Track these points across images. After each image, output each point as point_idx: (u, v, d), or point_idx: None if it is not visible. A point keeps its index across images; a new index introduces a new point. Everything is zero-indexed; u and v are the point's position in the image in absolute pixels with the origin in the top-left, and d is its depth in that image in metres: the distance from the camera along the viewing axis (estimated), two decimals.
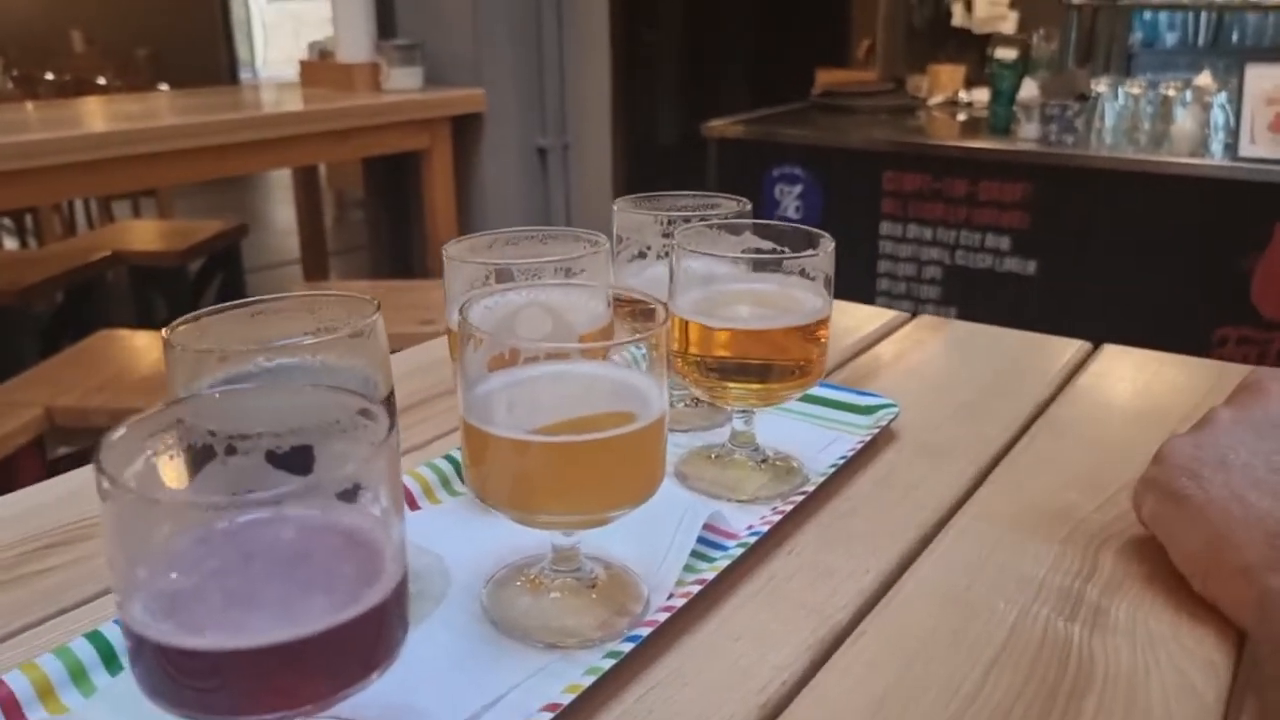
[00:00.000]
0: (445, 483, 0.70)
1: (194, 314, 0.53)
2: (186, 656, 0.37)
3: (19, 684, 0.48)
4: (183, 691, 0.38)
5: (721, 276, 0.69)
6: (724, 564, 0.59)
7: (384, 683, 0.49)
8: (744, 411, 0.72)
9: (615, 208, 0.78)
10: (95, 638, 0.52)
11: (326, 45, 3.12)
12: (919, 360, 0.97)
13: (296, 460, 0.44)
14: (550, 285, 0.63)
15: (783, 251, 0.69)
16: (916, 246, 3.08)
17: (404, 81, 2.95)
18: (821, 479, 0.70)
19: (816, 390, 0.82)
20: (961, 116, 3.45)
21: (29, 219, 5.18)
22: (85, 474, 0.74)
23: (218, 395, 0.45)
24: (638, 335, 0.52)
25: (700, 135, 3.19)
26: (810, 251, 0.67)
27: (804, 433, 0.78)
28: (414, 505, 0.67)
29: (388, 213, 3.42)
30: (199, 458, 0.43)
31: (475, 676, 0.51)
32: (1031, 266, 2.87)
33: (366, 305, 0.54)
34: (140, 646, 0.38)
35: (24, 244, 5.23)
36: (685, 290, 0.68)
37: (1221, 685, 0.52)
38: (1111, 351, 0.99)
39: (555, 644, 0.54)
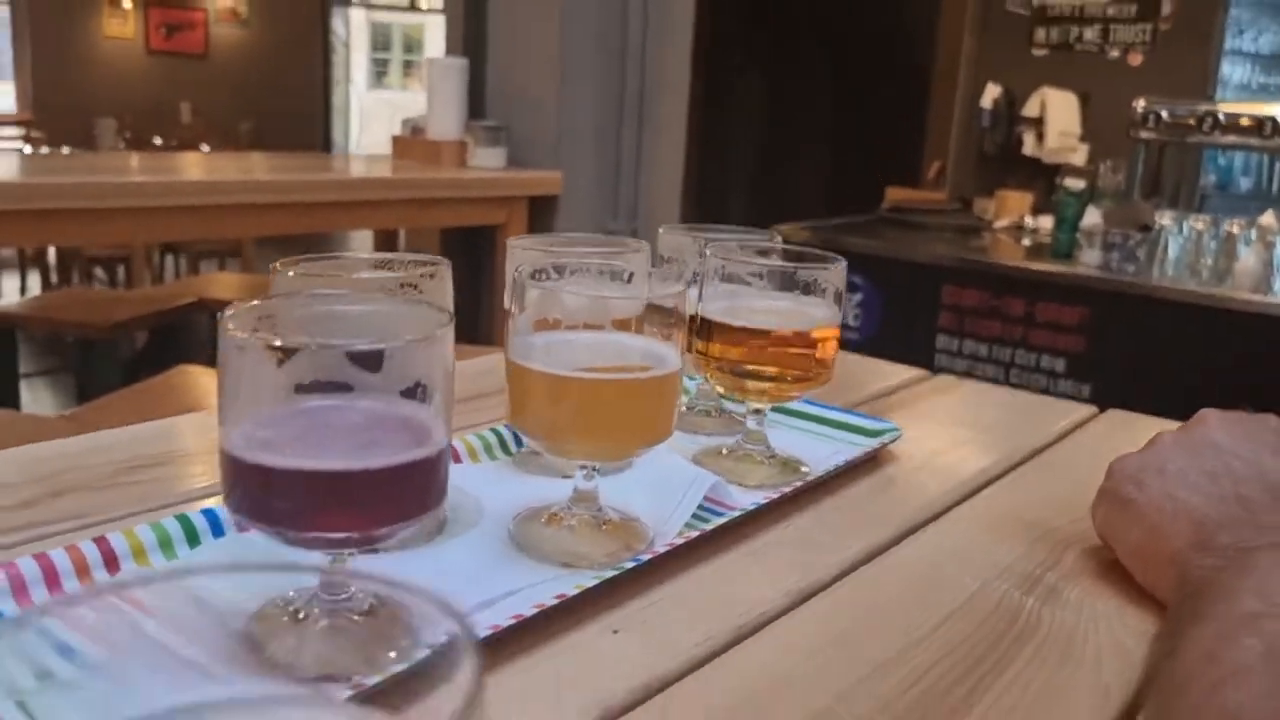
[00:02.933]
0: (488, 449, 0.79)
1: (295, 258, 0.64)
2: (272, 474, 0.46)
3: (119, 543, 0.58)
4: (265, 507, 0.47)
5: (745, 294, 0.79)
6: (724, 521, 0.68)
7: (406, 568, 0.58)
8: (757, 411, 0.80)
9: (660, 231, 0.88)
10: (183, 520, 0.61)
11: (419, 123, 3.32)
12: (931, 405, 1.05)
13: (371, 359, 0.54)
14: (595, 273, 0.72)
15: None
16: (972, 362, 3.12)
17: (488, 160, 3.14)
18: (823, 472, 0.78)
19: (827, 412, 0.91)
20: (1026, 241, 3.53)
21: (121, 270, 5.47)
22: (169, 423, 0.85)
23: (313, 297, 0.55)
24: (662, 296, 0.61)
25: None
26: (820, 265, 0.76)
27: (812, 444, 0.86)
28: (458, 459, 0.76)
29: (460, 283, 3.58)
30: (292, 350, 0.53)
31: (499, 576, 0.60)
32: (1086, 390, 2.89)
33: (439, 260, 0.64)
34: (236, 468, 0.47)
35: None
36: (712, 300, 0.78)
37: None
38: (1116, 415, 1.05)
39: (569, 564, 0.62)
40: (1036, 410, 1.06)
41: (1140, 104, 3.70)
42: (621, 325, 0.65)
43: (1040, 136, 4.09)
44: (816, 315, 0.76)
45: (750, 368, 0.77)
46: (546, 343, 0.62)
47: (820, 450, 0.84)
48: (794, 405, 0.91)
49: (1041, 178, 3.97)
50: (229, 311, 0.48)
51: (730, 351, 0.77)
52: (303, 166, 3.11)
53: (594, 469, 0.65)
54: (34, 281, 5.96)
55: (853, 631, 0.59)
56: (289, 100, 9.02)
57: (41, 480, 0.71)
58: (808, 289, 0.76)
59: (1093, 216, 3.28)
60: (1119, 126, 3.79)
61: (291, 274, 0.60)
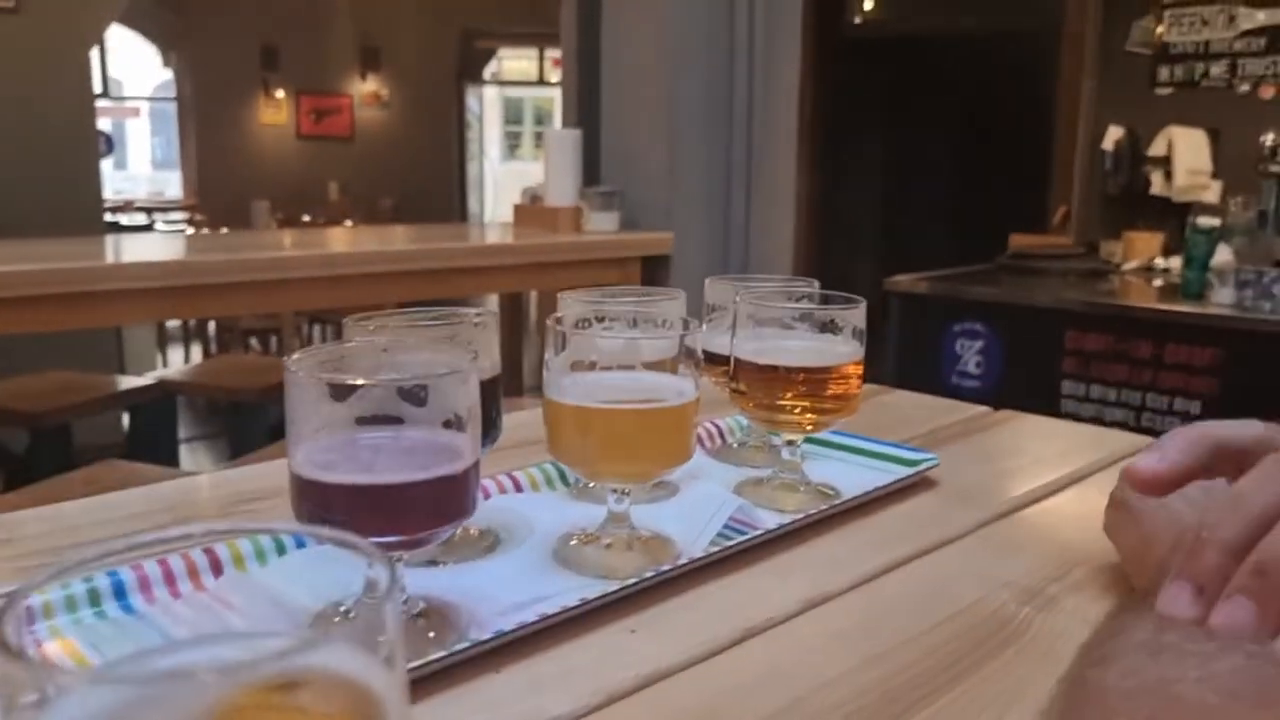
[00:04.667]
0: (549, 481, 0.88)
1: (368, 314, 0.74)
2: (324, 488, 0.56)
3: (223, 552, 0.69)
4: (320, 515, 0.57)
5: (775, 335, 0.86)
6: (748, 539, 0.74)
7: (459, 579, 0.67)
8: (790, 442, 0.87)
9: (706, 281, 0.97)
10: (275, 538, 0.72)
11: (538, 191, 3.50)
12: (986, 437, 1.09)
13: (416, 395, 0.64)
14: (628, 311, 0.81)
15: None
16: (1100, 407, 3.07)
17: (602, 224, 3.28)
18: (854, 498, 0.84)
19: (868, 444, 0.96)
20: (1157, 282, 3.46)
21: (274, 340, 5.86)
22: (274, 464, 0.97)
23: (368, 345, 0.66)
24: (680, 332, 0.69)
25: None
26: (840, 306, 0.83)
27: (851, 473, 0.92)
28: (519, 489, 0.86)
29: None
30: (349, 387, 0.63)
31: (536, 585, 0.68)
32: None
33: (487, 313, 0.74)
34: (300, 484, 0.57)
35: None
36: (745, 341, 0.86)
37: None
38: None
39: (602, 575, 0.70)
40: (1095, 441, 1.09)
41: (1270, 138, 3.60)
42: (654, 368, 0.73)
43: (1168, 175, 4.01)
44: (839, 351, 0.83)
45: (780, 402, 0.84)
46: (576, 381, 0.71)
47: (858, 479, 0.90)
48: (836, 438, 0.97)
49: (1172, 218, 3.88)
50: (295, 356, 0.59)
51: (761, 388, 0.84)
52: (435, 236, 3.33)
53: (624, 492, 0.73)
54: (196, 354, 6.42)
55: (849, 632, 0.65)
56: (427, 175, 9.50)
57: (170, 509, 0.84)
58: (831, 328, 0.83)
59: (1224, 254, 3.20)
60: (1251, 162, 3.69)
61: (369, 325, 0.70)
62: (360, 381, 0.58)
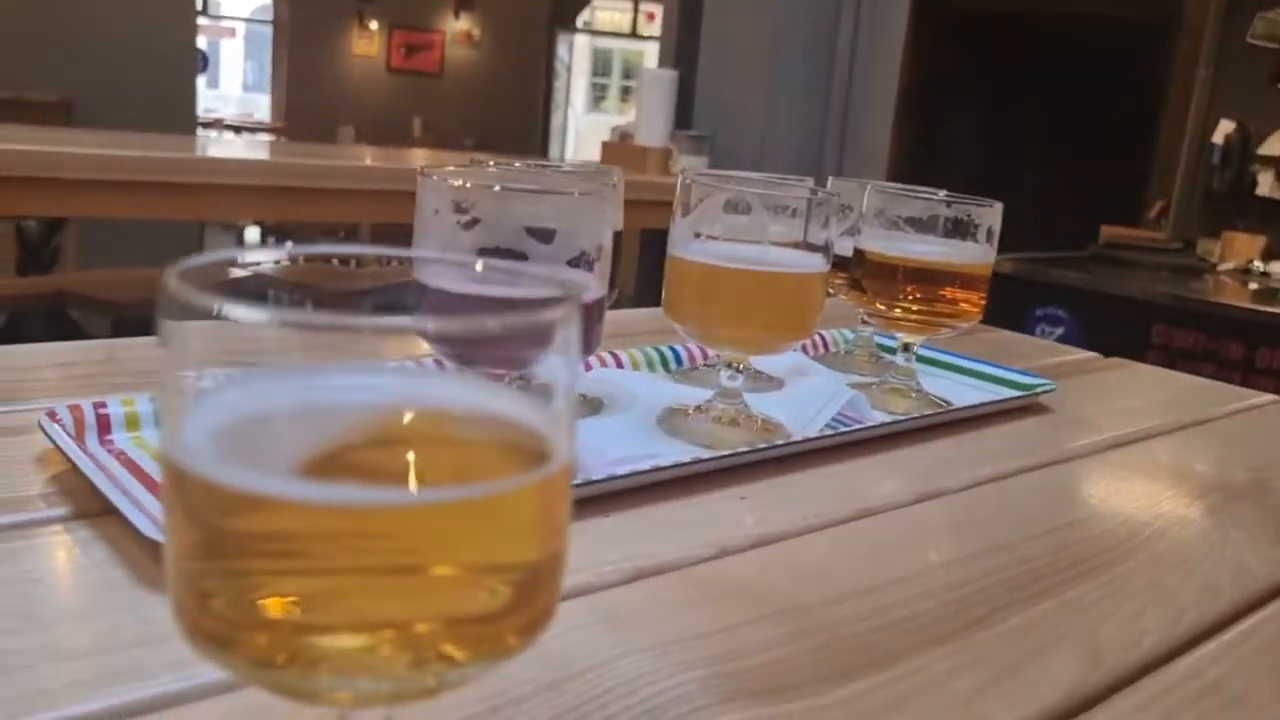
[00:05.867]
0: (650, 363, 0.86)
1: (492, 159, 0.72)
2: (446, 295, 0.54)
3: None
4: None
5: (902, 235, 0.82)
6: (861, 429, 0.71)
7: None
8: (906, 347, 0.84)
9: (830, 179, 0.93)
10: None
11: (628, 129, 3.47)
12: (1098, 377, 1.05)
13: (543, 234, 0.62)
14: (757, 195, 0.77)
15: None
16: None
17: (691, 167, 3.24)
18: (970, 406, 0.80)
19: (982, 366, 0.92)
20: (1254, 285, 3.34)
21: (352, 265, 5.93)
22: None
23: (503, 172, 0.63)
24: (809, 196, 0.66)
25: None
26: (974, 203, 0.79)
27: (963, 393, 0.88)
28: (620, 365, 0.83)
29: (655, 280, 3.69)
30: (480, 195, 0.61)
31: (642, 444, 0.66)
32: None
33: (612, 169, 0.71)
34: (421, 292, 0.55)
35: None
36: (869, 239, 0.82)
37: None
38: None
39: (708, 445, 0.68)
40: (1210, 390, 1.04)
41: None
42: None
43: (1278, 176, 3.85)
44: (967, 252, 0.79)
45: (901, 301, 0.80)
46: (703, 244, 0.68)
47: (970, 396, 0.87)
48: (949, 358, 0.93)
49: (1276, 220, 3.74)
50: (428, 166, 0.57)
51: (885, 285, 0.81)
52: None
53: (739, 369, 0.71)
54: None
55: (970, 523, 0.62)
56: (511, 119, 9.49)
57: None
58: (962, 229, 0.79)
59: None
60: None
61: (491, 166, 0.68)
62: (494, 185, 0.56)
